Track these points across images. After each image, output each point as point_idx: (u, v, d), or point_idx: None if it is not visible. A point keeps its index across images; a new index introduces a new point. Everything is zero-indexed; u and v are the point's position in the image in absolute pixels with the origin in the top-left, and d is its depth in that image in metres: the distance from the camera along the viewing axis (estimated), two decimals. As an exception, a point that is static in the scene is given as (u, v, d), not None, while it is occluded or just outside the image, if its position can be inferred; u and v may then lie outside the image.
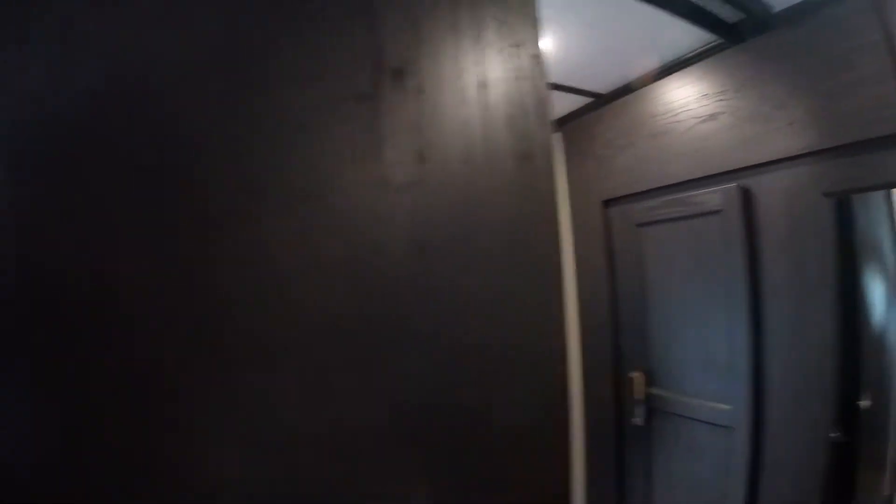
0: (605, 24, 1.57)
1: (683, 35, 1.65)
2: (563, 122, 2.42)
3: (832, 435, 1.34)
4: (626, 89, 2.07)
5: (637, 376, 2.02)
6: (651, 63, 1.89)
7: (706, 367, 1.77)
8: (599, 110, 2.23)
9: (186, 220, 0.44)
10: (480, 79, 0.65)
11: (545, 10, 0.73)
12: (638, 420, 2.00)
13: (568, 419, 0.66)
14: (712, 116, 1.71)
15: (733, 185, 1.65)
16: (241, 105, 0.47)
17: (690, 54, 1.77)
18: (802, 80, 1.40)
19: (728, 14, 1.52)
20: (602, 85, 2.11)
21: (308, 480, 0.48)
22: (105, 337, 0.38)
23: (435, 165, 0.59)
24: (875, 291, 1.47)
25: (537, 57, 0.70)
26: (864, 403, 1.40)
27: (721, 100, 1.67)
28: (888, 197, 1.40)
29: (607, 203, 2.24)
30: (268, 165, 0.48)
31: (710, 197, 1.74)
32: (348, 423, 0.51)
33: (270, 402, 0.47)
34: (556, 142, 2.38)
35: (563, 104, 2.27)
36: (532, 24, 0.70)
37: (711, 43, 1.68)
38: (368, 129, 0.54)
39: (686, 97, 1.81)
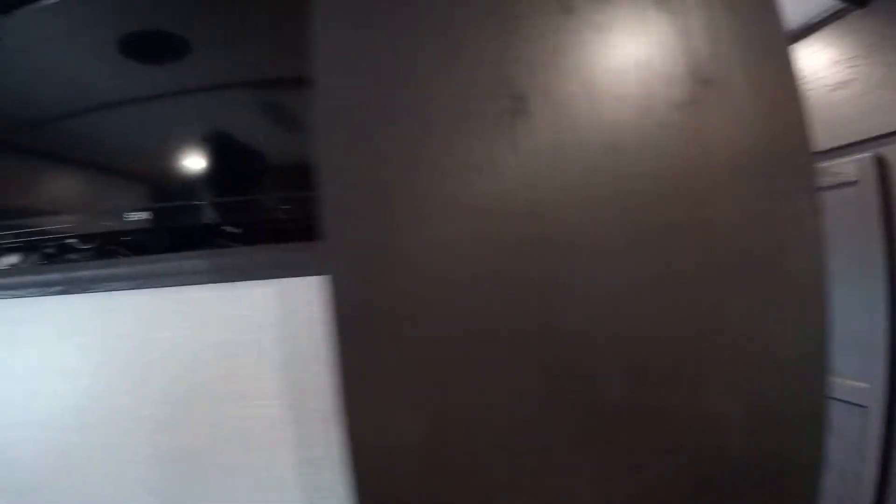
0: None
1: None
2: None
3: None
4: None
5: (771, 353, 1.99)
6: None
7: (843, 343, 1.71)
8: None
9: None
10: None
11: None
12: (772, 397, 1.98)
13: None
14: (843, 84, 1.62)
15: (868, 154, 1.56)
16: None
17: (817, 19, 1.69)
18: (932, 41, 1.29)
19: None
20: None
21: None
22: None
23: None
24: None
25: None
26: None
27: (851, 66, 1.58)
28: None
29: (740, 178, 2.19)
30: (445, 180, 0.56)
31: (845, 167, 1.66)
32: (541, 430, 0.55)
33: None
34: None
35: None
36: None
37: (837, 6, 1.60)
38: (511, 149, 0.57)
39: (816, 64, 1.73)
